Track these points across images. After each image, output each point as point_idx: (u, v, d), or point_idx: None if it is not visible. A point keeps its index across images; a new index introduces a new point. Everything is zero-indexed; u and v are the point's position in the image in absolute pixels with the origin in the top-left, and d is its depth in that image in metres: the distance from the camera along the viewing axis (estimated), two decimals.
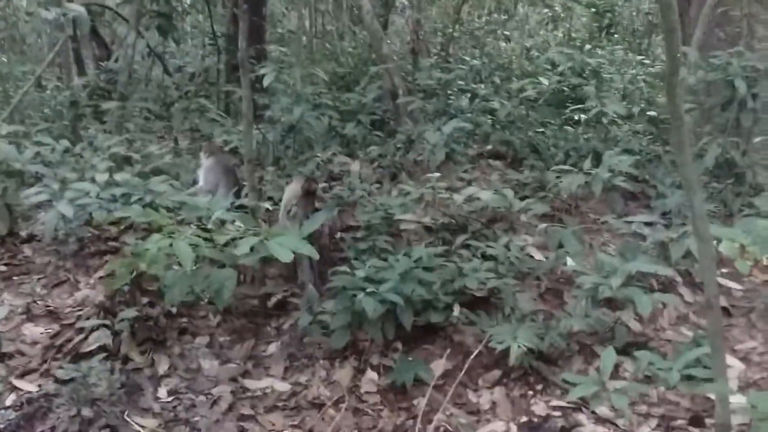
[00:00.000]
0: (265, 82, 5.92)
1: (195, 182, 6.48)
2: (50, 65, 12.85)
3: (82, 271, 5.63)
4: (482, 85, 9.68)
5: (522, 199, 5.80)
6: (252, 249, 3.98)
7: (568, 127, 6.61)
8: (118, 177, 6.27)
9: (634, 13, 14.24)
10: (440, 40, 14.17)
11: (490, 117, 6.92)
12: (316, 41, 17.20)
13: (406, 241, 5.38)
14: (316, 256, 4.01)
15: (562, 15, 17.10)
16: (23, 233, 6.09)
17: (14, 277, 5.66)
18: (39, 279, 5.60)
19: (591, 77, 6.71)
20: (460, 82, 10.07)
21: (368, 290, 4.00)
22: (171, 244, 3.82)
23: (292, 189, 4.96)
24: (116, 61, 9.82)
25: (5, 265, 5.86)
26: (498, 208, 5.24)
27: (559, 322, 4.16)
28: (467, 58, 11.66)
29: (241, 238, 4.11)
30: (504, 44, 16.48)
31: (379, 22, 13.32)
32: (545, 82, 6.86)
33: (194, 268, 4.07)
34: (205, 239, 4.11)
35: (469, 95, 7.41)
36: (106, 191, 6.09)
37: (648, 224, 5.14)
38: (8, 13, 12.91)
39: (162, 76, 11.74)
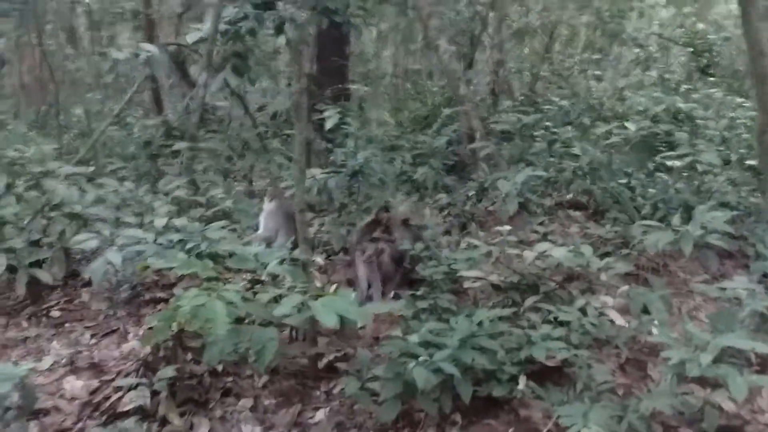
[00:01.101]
0: (327, 126, 5.72)
1: (257, 228, 6.33)
2: (134, 105, 13.20)
3: (134, 321, 5.51)
4: (569, 127, 9.28)
5: (603, 256, 5.37)
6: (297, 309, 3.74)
7: (658, 177, 6.13)
8: (177, 222, 6.17)
9: (734, 53, 13.53)
10: (528, 81, 13.81)
11: (571, 163, 6.51)
12: (402, 81, 17.13)
13: (473, 300, 5.03)
14: (366, 321, 3.72)
15: (656, 55, 16.50)
16: (84, 277, 6.00)
17: (66, 324, 5.59)
18: (90, 327, 5.51)
19: (684, 122, 6.22)
20: (547, 123, 9.70)
21: (421, 358, 3.66)
22: (205, 303, 3.59)
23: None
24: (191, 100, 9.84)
25: (60, 310, 5.81)
26: (574, 267, 4.82)
27: (639, 401, 3.70)
28: (555, 99, 11.25)
29: (285, 296, 3.87)
30: (595, 84, 15.97)
31: (464, 60, 13.16)
32: (632, 127, 6.42)
33: (234, 326, 3.84)
34: (248, 296, 3.88)
35: (549, 140, 7.00)
36: (163, 237, 6.01)
37: (746, 288, 4.63)
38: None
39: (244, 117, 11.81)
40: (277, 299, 4.00)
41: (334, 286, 5.29)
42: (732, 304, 4.64)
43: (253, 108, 13.95)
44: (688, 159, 5.76)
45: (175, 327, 4.08)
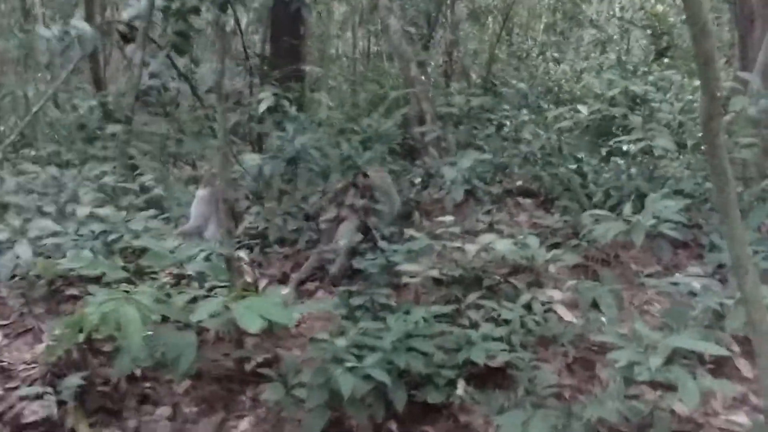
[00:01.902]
0: (260, 108, 5.39)
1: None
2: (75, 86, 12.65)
3: (51, 318, 5.13)
4: (524, 111, 9.04)
5: (551, 247, 5.16)
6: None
7: (611, 163, 5.90)
8: (102, 211, 5.83)
9: None
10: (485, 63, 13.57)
11: (522, 148, 6.26)
12: (361, 62, 16.81)
13: (414, 295, 4.76)
14: (291, 323, 3.43)
15: (615, 37, 16.39)
16: None
17: None
18: (3, 325, 5.13)
19: (640, 105, 6.01)
20: (505, 106, 9.44)
21: (348, 364, 3.38)
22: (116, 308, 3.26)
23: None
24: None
25: None
26: (519, 260, 4.58)
27: (584, 407, 3.46)
28: (513, 81, 11.02)
29: (204, 297, 3.57)
30: (554, 67, 15.83)
31: (421, 41, 12.86)
32: (584, 110, 6.19)
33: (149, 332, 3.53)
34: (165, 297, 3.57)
35: (498, 123, 6.73)
36: (85, 227, 5.66)
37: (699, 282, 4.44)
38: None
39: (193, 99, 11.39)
40: (197, 300, 3.69)
41: (264, 282, 5.01)
42: (685, 298, 4.45)
43: (203, 89, 13.56)
44: (641, 144, 5.54)
45: (83, 333, 3.75)
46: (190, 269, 4.00)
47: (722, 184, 2.04)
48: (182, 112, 11.18)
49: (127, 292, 3.46)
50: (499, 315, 4.12)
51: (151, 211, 5.89)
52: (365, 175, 5.52)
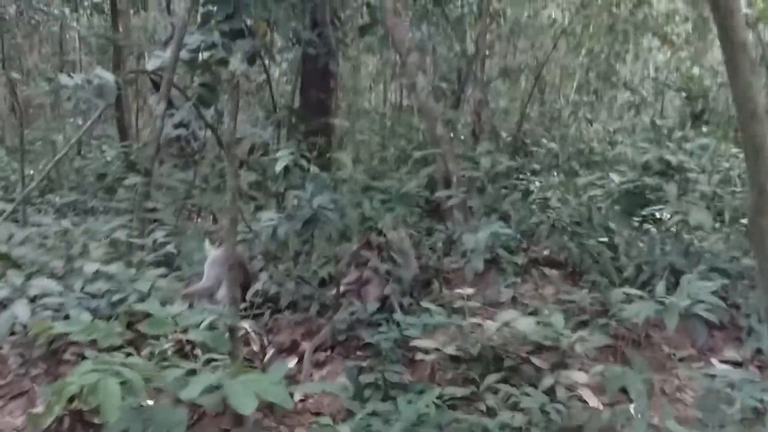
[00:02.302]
0: (277, 168, 5.22)
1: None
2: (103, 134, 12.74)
3: (50, 381, 4.93)
4: (554, 172, 8.79)
5: (579, 325, 4.88)
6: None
7: (644, 236, 5.62)
8: (110, 268, 5.66)
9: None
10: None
11: (549, 216, 6.01)
12: (390, 117, 16.72)
13: (430, 372, 4.49)
14: (288, 405, 3.17)
15: (649, 99, 16.19)
16: None
17: None
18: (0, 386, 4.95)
19: (674, 174, 5.75)
20: (535, 166, 9.20)
21: None
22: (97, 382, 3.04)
23: None
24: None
25: None
26: (542, 341, 4.31)
27: None
28: (544, 141, 10.80)
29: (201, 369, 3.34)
30: (586, 127, 15.64)
31: (452, 98, 12.70)
32: (616, 179, 5.94)
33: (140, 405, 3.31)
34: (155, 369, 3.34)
35: (523, 189, 6.49)
36: (92, 285, 5.50)
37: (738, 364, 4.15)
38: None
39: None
40: (192, 373, 3.45)
41: (271, 351, 4.78)
42: (721, 387, 4.12)
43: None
44: (677, 217, 5.28)
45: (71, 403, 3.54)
46: (191, 337, 3.78)
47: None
48: (207, 164, 11.11)
49: (123, 363, 3.25)
50: (517, 403, 3.83)
51: (161, 270, 5.72)
52: (381, 234, 5.32)
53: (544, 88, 17.64)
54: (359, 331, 4.77)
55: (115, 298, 5.18)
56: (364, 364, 4.30)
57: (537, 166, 9.29)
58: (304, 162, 5.64)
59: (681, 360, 4.87)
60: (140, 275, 5.56)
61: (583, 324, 4.96)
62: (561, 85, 18.02)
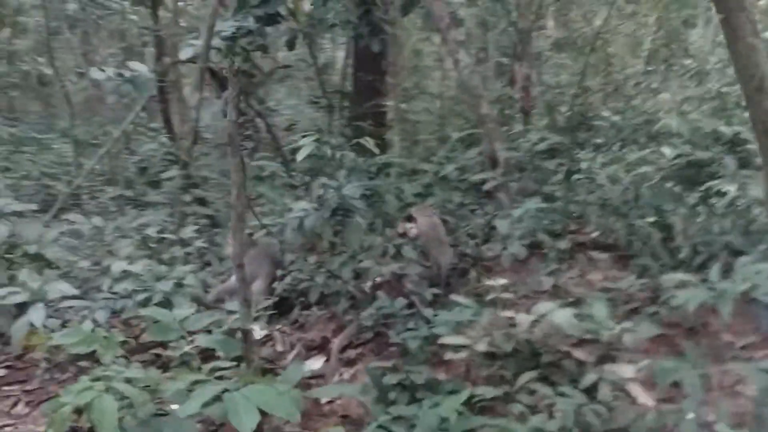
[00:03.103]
0: (299, 158, 5.01)
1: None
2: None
3: None
4: (613, 148, 8.36)
5: (629, 313, 4.56)
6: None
7: (700, 215, 5.21)
8: (137, 267, 5.59)
9: None
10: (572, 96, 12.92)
11: (595, 196, 5.65)
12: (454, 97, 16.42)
13: (465, 370, 4.24)
14: (294, 418, 2.98)
15: (716, 66, 15.45)
16: None
17: (6, 387, 5.00)
18: (29, 391, 4.91)
19: (733, 147, 5.33)
20: (597, 141, 8.79)
21: None
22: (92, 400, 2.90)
23: None
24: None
25: (6, 368, 5.23)
26: (582, 335, 4.01)
27: None
28: (606, 114, 10.32)
29: (201, 381, 3.16)
30: (652, 98, 15.01)
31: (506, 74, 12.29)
32: (668, 152, 5.54)
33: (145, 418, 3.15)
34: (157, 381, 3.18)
35: (570, 167, 6.11)
36: (119, 284, 5.44)
37: None
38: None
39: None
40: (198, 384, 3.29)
41: (295, 351, 4.61)
42: None
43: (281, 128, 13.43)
44: (733, 193, 4.88)
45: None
46: (200, 343, 3.62)
47: None
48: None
49: (127, 377, 3.11)
50: (552, 404, 3.56)
51: (189, 267, 5.61)
52: (410, 219, 5.08)
53: (610, 59, 17.04)
54: (388, 329, 4.53)
55: (140, 297, 5.09)
56: (389, 364, 4.07)
57: (600, 141, 8.89)
58: (333, 149, 5.41)
59: (743, 348, 4.49)
60: (170, 272, 5.47)
61: (633, 312, 4.64)
62: (626, 55, 17.40)
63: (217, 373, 3.48)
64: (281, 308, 5.40)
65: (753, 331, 4.66)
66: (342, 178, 5.92)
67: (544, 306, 4.06)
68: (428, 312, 4.33)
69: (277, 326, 5.02)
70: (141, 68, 8.18)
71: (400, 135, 12.47)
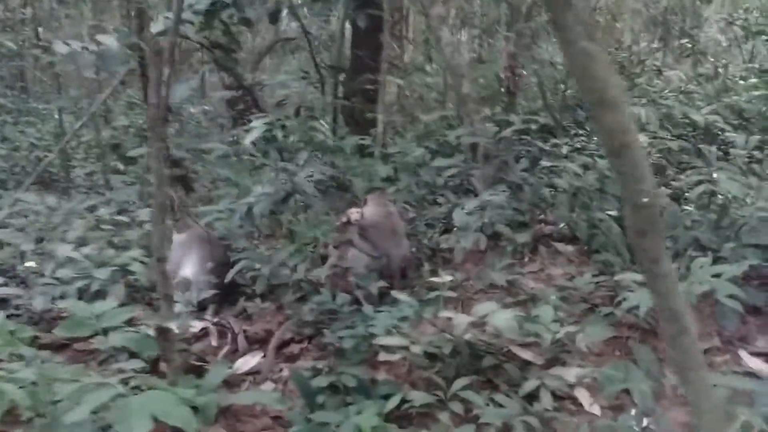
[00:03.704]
0: (247, 140, 4.81)
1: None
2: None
3: None
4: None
5: (586, 313, 4.37)
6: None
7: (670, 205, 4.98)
8: (85, 250, 5.42)
9: None
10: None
11: (557, 186, 5.43)
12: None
13: (407, 371, 4.05)
14: (191, 429, 2.79)
15: (724, 44, 15.15)
16: None
17: None
18: None
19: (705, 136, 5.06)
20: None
21: None
22: None
23: None
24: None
25: None
26: (524, 339, 3.82)
27: None
28: None
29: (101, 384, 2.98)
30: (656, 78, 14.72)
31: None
32: (642, 140, 5.28)
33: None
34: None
35: (530, 155, 5.87)
36: (64, 269, 5.27)
37: None
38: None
39: None
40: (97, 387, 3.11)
41: (225, 349, 4.44)
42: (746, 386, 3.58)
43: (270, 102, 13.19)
44: (702, 186, 4.64)
45: None
46: (112, 341, 3.44)
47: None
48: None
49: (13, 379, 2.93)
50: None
51: (137, 252, 5.42)
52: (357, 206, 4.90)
53: (619, 37, 16.71)
54: (328, 325, 4.34)
55: (78, 285, 4.92)
56: (322, 364, 3.89)
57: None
58: (279, 133, 5.19)
59: (704, 352, 4.29)
60: (114, 258, 5.30)
61: (590, 311, 4.45)
62: (632, 33, 17.09)
63: (128, 375, 3.29)
64: (231, 297, 5.22)
65: (716, 334, 4.46)
66: (303, 161, 5.72)
67: (484, 306, 3.86)
68: (369, 309, 4.12)
69: (215, 318, 4.84)
70: (109, 42, 7.93)
71: (400, 113, 12.23)
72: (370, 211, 4.95)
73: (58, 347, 4.39)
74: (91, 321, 3.46)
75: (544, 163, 5.68)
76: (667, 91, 12.42)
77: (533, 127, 7.47)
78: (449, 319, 3.83)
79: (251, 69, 13.54)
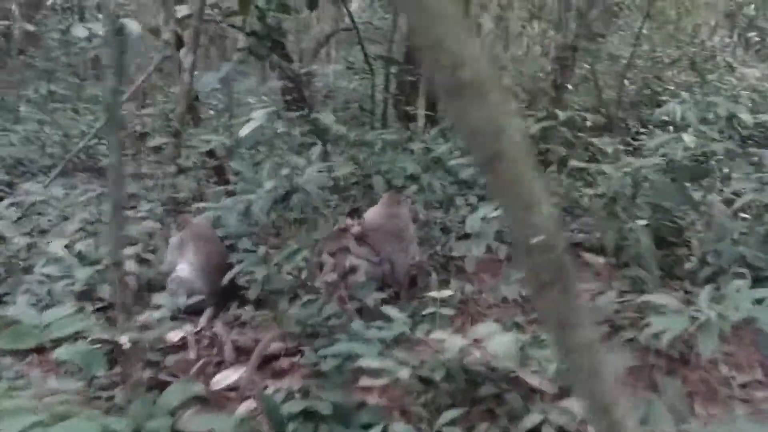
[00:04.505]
0: (242, 132, 4.48)
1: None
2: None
3: None
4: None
5: (607, 336, 3.92)
6: None
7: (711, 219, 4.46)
8: (79, 246, 5.20)
9: None
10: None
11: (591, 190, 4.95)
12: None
13: (399, 397, 3.67)
14: None
15: None
16: None
17: None
18: None
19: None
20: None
21: None
22: None
23: None
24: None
25: None
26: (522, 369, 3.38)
27: None
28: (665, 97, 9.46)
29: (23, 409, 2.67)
30: (728, 73, 14.05)
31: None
32: (687, 140, 4.77)
33: None
34: None
35: (560, 156, 5.38)
36: (51, 267, 5.04)
37: None
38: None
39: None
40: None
41: (199, 364, 4.11)
42: None
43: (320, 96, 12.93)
44: (749, 195, 4.12)
45: None
46: (57, 355, 3.14)
47: None
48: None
49: None
50: None
51: (130, 250, 5.15)
52: (355, 211, 4.52)
53: (696, 29, 16.02)
54: (310, 341, 3.98)
55: (61, 284, 4.68)
56: (295, 389, 3.52)
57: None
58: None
59: (743, 387, 3.80)
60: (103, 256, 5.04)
61: (612, 335, 3.99)
62: (709, 27, 16.35)
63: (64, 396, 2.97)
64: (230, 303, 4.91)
65: (757, 365, 3.95)
66: (314, 157, 5.39)
67: (484, 327, 3.45)
68: (358, 324, 3.73)
69: (201, 327, 4.52)
70: (132, 26, 7.71)
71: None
72: (373, 212, 4.57)
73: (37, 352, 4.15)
74: (37, 331, 3.16)
75: (576, 163, 5.19)
76: (739, 89, 11.76)
77: (589, 124, 7.00)
78: (441, 341, 3.42)
79: (310, 59, 13.29)
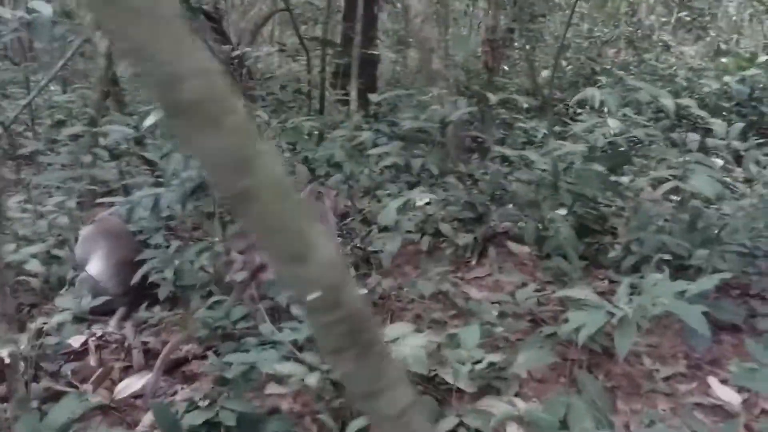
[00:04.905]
0: (147, 123, 4.26)
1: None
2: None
3: None
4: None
5: (528, 331, 3.83)
6: None
7: (633, 207, 4.38)
8: None
9: None
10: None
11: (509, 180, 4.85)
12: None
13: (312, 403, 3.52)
14: None
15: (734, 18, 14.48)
16: None
17: None
18: None
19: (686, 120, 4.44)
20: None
21: None
22: None
23: None
24: None
25: None
26: (436, 372, 3.27)
27: None
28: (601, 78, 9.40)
29: None
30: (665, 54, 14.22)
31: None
32: (613, 125, 4.67)
33: None
34: None
35: (483, 145, 5.27)
36: None
37: None
38: None
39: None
40: None
41: (97, 374, 3.90)
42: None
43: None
44: (669, 184, 4.05)
45: None
46: None
47: None
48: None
49: None
50: None
51: (37, 247, 4.88)
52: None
53: (633, 8, 16.10)
54: (220, 342, 3.80)
55: None
56: (199, 399, 3.34)
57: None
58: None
59: (666, 380, 3.74)
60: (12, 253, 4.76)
61: (533, 329, 3.90)
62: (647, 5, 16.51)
63: None
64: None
65: (682, 356, 3.90)
66: None
67: (397, 327, 3.31)
68: (267, 327, 3.57)
69: (107, 330, 4.30)
70: (43, 8, 7.34)
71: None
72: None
73: None
74: None
75: (504, 150, 5.06)
76: (676, 68, 11.84)
77: (526, 106, 6.90)
78: None
79: (248, 40, 13.04)
